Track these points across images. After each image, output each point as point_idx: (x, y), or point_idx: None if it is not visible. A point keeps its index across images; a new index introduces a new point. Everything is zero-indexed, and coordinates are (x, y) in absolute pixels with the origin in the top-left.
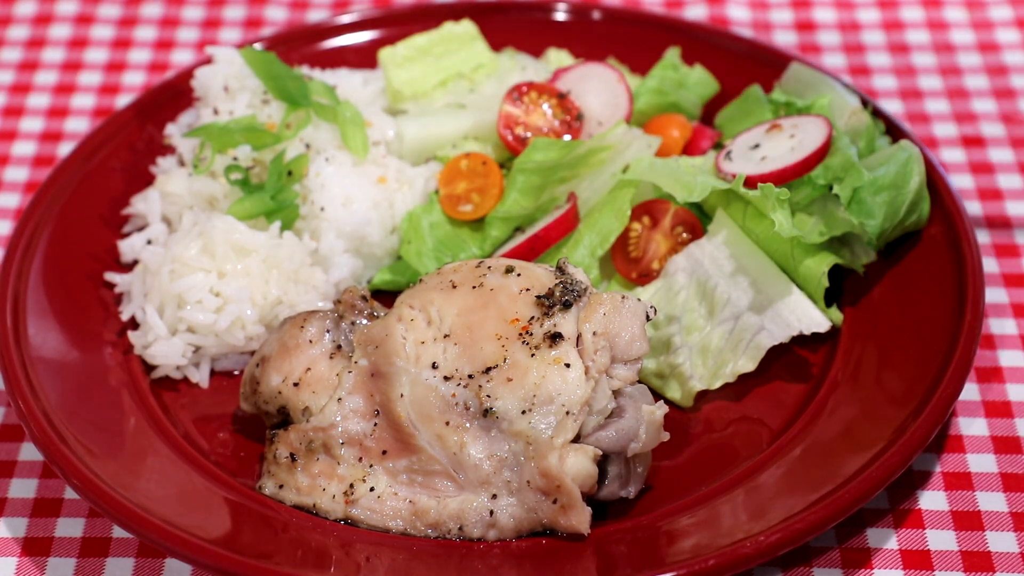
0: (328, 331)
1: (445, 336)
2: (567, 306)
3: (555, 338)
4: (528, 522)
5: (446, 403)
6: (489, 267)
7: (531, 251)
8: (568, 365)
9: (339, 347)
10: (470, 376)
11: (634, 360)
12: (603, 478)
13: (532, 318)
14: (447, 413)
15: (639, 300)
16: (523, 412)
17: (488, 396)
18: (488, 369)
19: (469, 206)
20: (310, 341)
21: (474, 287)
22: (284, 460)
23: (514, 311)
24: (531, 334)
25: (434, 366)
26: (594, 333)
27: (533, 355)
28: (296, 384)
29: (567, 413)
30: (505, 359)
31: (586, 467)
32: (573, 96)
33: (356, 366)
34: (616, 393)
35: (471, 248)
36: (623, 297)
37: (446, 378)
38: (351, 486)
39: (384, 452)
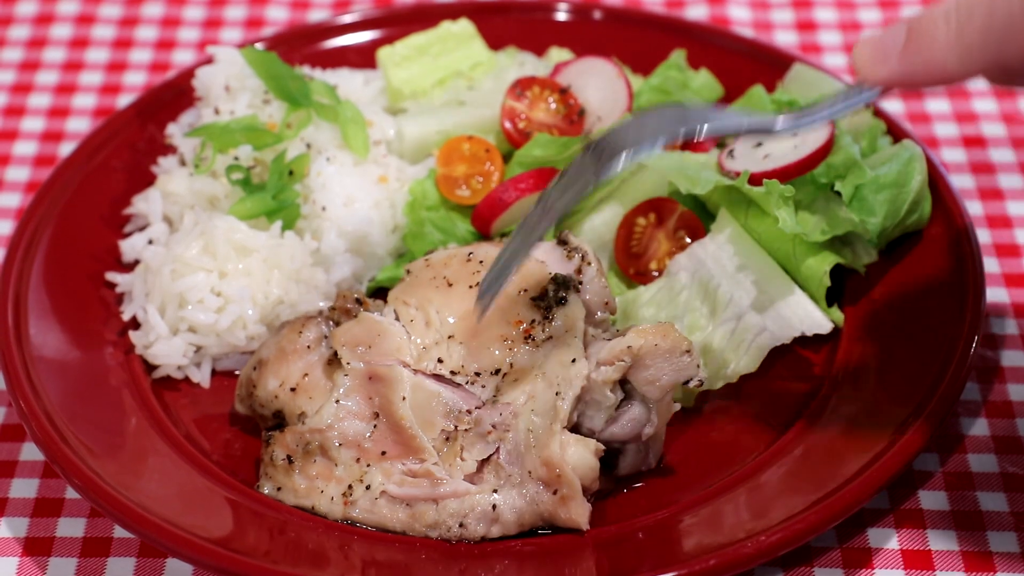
0: (326, 337)
1: (449, 337)
2: (562, 303)
3: (557, 335)
4: (529, 514)
5: (447, 406)
6: (481, 261)
7: (500, 202)
8: (572, 358)
9: (336, 353)
10: (477, 374)
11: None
12: (622, 457)
13: (533, 321)
14: (449, 416)
15: (698, 366)
16: (524, 401)
17: (496, 396)
18: (497, 371)
19: (467, 191)
20: (308, 347)
21: (471, 287)
22: (281, 463)
23: (516, 313)
24: (533, 338)
25: (440, 361)
26: (628, 347)
27: (537, 352)
28: (293, 389)
29: (556, 394)
30: (512, 364)
31: (587, 459)
32: (573, 91)
33: (351, 368)
34: (621, 381)
35: (460, 229)
36: (686, 351)
37: (453, 372)
38: (349, 487)
39: (383, 453)
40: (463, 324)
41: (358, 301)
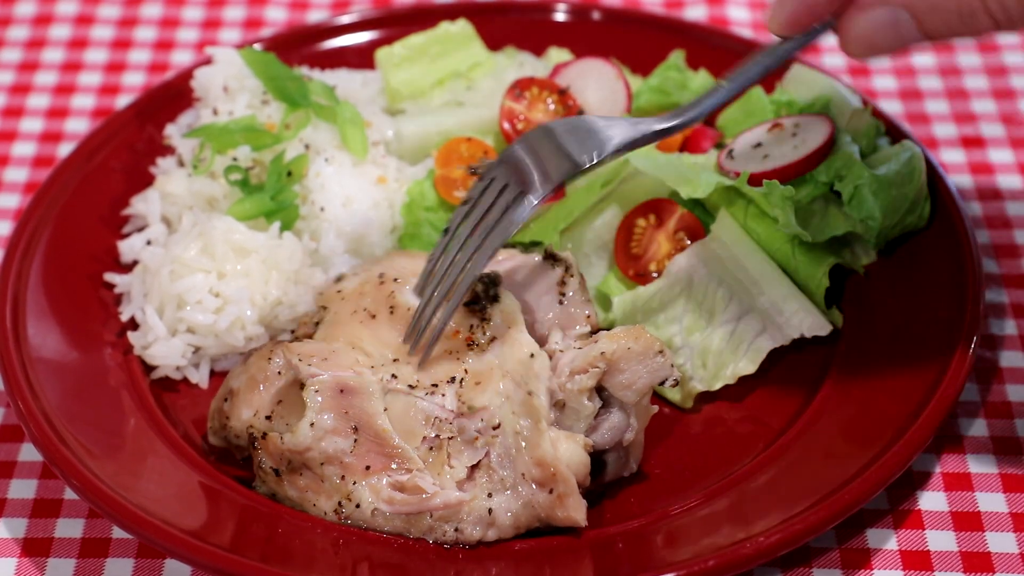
0: None
1: (394, 360)
2: (496, 299)
3: (499, 333)
4: (525, 517)
5: (426, 414)
6: (395, 279)
7: None
8: (529, 353)
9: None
10: (434, 385)
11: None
12: (604, 467)
13: (471, 327)
14: (430, 424)
15: (671, 365)
16: (500, 405)
17: (463, 401)
18: (453, 379)
19: (465, 193)
20: (279, 372)
21: (391, 309)
22: (270, 471)
23: (452, 325)
24: (476, 343)
25: (394, 377)
26: (601, 353)
27: (487, 355)
28: (268, 417)
29: (528, 393)
30: (467, 370)
31: (579, 455)
32: (572, 92)
33: (318, 380)
34: (598, 388)
35: None
36: (659, 351)
37: (410, 387)
38: (340, 504)
39: (367, 468)
40: (402, 348)
41: (318, 324)
